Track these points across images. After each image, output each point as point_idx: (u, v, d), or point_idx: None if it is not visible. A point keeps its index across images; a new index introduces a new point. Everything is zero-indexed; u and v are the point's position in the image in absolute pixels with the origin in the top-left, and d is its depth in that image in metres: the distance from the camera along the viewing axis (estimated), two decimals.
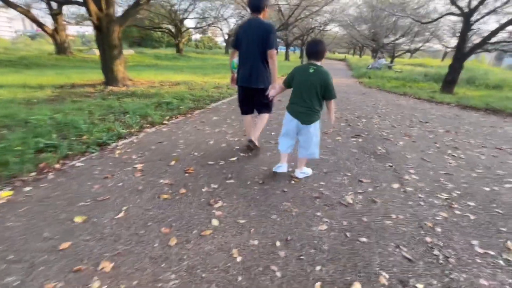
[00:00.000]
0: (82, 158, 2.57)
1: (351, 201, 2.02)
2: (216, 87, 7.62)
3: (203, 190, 2.10)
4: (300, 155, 2.33)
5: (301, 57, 37.38)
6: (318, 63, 2.05)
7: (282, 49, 43.53)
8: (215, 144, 3.10)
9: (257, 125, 2.82)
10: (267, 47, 2.45)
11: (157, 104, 4.84)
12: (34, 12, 13.52)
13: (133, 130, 3.44)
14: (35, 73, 8.67)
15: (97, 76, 7.56)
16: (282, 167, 2.38)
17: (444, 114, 5.36)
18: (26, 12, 12.18)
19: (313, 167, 2.57)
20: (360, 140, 3.49)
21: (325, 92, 2.05)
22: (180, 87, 7.00)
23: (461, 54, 8.23)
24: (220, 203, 1.92)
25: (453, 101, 6.69)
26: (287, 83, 2.21)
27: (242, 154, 2.83)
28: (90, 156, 2.64)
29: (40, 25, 13.28)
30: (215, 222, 1.71)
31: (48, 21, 15.07)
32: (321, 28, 32.56)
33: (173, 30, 24.66)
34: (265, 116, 2.82)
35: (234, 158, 2.72)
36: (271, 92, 2.47)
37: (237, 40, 2.63)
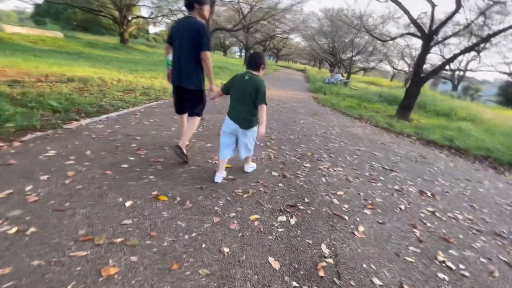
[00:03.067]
0: None
1: None
2: (127, 90, 5.60)
3: None
4: (242, 156, 2.39)
5: None
6: (255, 73, 2.19)
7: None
8: None
9: (186, 129, 2.62)
10: (200, 49, 2.34)
11: None
12: None
13: None
14: None
15: None
16: (220, 177, 2.32)
17: (408, 154, 4.21)
18: None
19: None
20: (292, 222, 1.91)
21: (257, 96, 2.14)
22: (67, 86, 4.83)
23: (418, 78, 7.57)
24: None
25: (413, 132, 5.76)
26: (226, 90, 2.31)
27: None
28: None
29: None
30: None
31: None
32: (283, 36, 32.14)
33: (117, 16, 21.34)
34: (195, 120, 2.64)
35: None
36: (210, 95, 2.49)
37: (170, 37, 2.49)
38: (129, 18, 22.22)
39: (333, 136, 4.56)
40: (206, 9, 2.40)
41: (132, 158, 2.49)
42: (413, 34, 7.67)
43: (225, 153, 2.32)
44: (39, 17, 37.22)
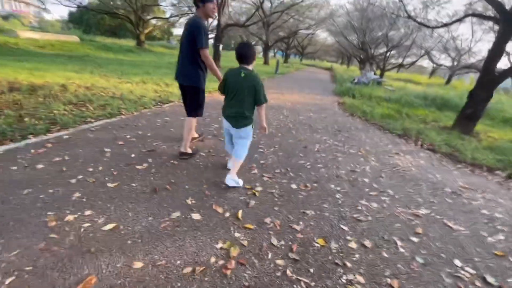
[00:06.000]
0: None
1: None
2: (84, 100, 4.25)
3: None
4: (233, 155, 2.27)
5: (286, 61, 34.43)
6: (249, 67, 2.06)
7: (279, 54, 40.12)
8: None
9: (184, 131, 2.65)
10: (197, 46, 2.34)
11: None
12: None
13: None
14: None
15: None
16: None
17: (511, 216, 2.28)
18: None
19: None
20: None
21: (256, 96, 2.04)
22: None
23: (490, 78, 5.35)
24: None
25: (493, 161, 3.70)
26: (221, 88, 2.19)
27: None
28: None
29: None
30: None
31: None
32: (307, 32, 29.98)
33: (132, 18, 20.84)
34: (190, 121, 2.63)
35: None
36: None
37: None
38: (145, 20, 21.62)
39: (367, 178, 2.74)
40: (210, 7, 2.37)
41: None
42: (482, 16, 5.45)
43: (229, 148, 2.31)
44: (72, 24, 39.13)
